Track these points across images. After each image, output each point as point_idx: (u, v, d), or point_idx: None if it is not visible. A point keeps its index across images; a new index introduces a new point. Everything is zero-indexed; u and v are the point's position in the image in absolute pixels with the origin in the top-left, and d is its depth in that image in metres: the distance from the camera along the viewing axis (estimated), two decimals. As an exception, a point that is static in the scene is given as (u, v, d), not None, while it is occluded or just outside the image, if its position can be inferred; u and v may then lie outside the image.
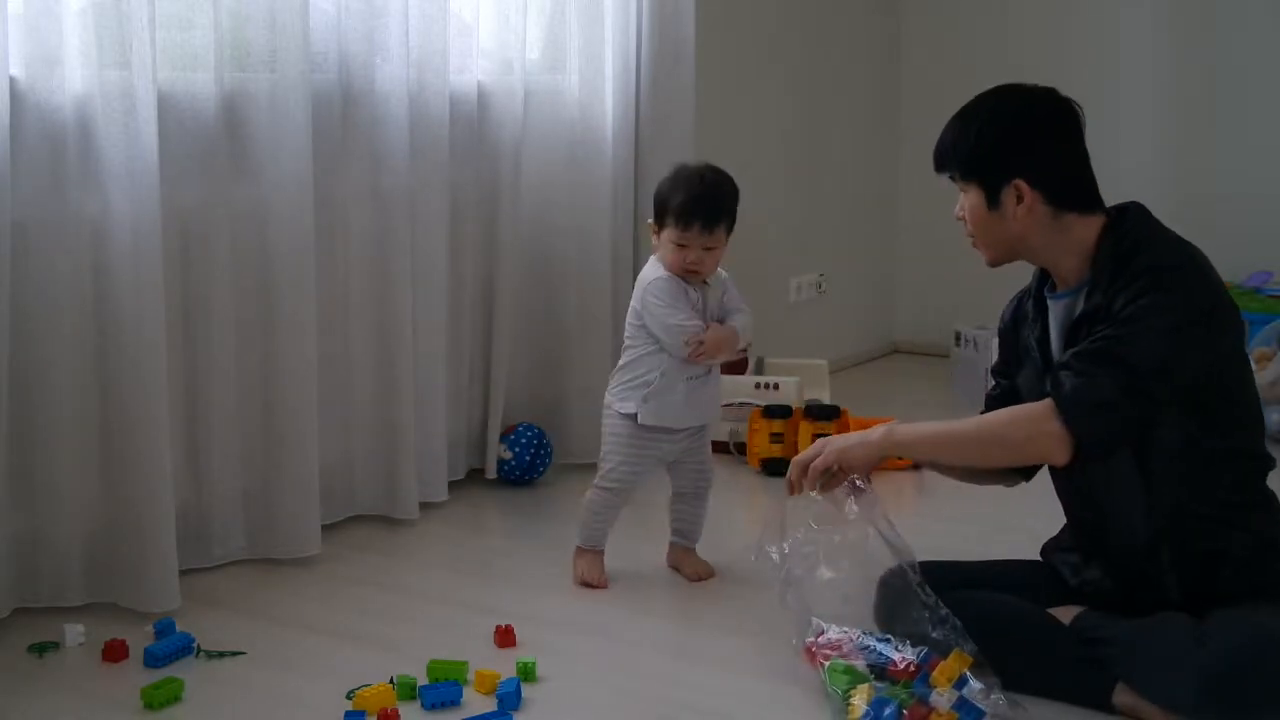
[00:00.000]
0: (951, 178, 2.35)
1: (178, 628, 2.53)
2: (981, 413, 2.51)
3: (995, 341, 2.57)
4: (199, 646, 2.47)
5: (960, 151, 2.31)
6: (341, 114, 3.09)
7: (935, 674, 2.15)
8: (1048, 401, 2.20)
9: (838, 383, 4.34)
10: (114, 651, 2.44)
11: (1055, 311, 2.34)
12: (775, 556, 2.41)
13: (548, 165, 3.63)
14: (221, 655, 2.45)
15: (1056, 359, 2.29)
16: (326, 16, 3.02)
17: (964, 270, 5.21)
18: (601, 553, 2.87)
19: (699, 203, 2.71)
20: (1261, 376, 3.98)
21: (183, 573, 2.73)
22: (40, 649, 2.48)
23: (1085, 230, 2.27)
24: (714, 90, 4.17)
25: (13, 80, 2.49)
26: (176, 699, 2.28)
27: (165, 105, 2.70)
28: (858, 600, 2.39)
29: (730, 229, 2.77)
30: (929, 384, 4.92)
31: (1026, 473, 2.47)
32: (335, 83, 3.07)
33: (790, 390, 3.89)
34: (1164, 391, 2.16)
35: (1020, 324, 2.45)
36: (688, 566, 2.89)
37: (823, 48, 4.95)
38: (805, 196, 4.93)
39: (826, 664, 2.25)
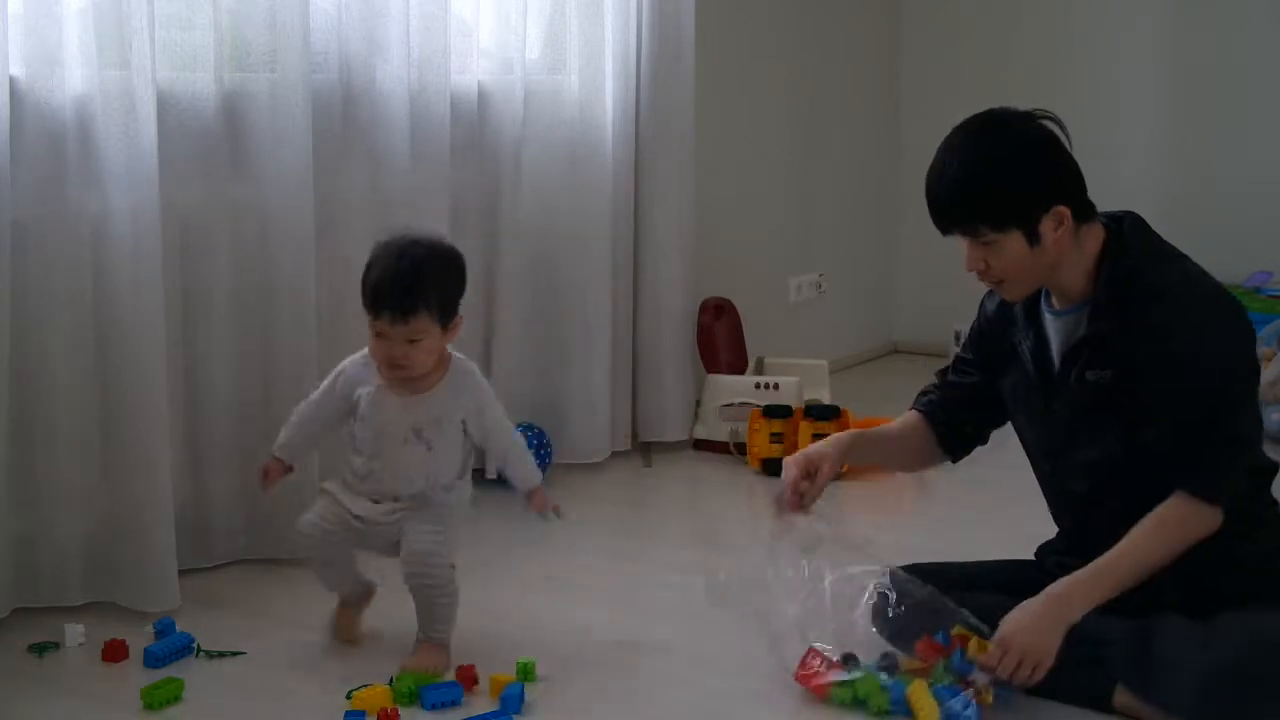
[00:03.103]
0: (972, 235, 2.22)
1: (178, 628, 2.53)
2: (926, 388, 2.54)
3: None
4: (199, 646, 2.47)
5: (993, 205, 2.19)
6: (342, 114, 3.08)
7: (972, 651, 2.17)
8: (1184, 496, 2.14)
9: (838, 383, 4.34)
10: (114, 651, 2.44)
11: (1055, 327, 2.31)
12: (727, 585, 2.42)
13: (548, 165, 3.63)
14: (221, 655, 2.45)
15: (1061, 381, 2.27)
16: (326, 16, 3.02)
17: (963, 270, 5.25)
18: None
19: (391, 286, 2.30)
20: (1262, 376, 3.98)
21: (182, 572, 2.73)
22: (40, 649, 2.48)
23: (1092, 240, 2.24)
24: (714, 90, 4.17)
25: (13, 80, 2.49)
26: (177, 699, 2.28)
27: (165, 105, 2.70)
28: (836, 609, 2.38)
29: (448, 315, 2.35)
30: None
31: (954, 453, 2.52)
32: (335, 83, 3.06)
33: (790, 390, 3.89)
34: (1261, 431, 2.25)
35: (1008, 324, 2.40)
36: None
37: (823, 48, 4.95)
38: (805, 197, 4.93)
39: (830, 690, 2.25)
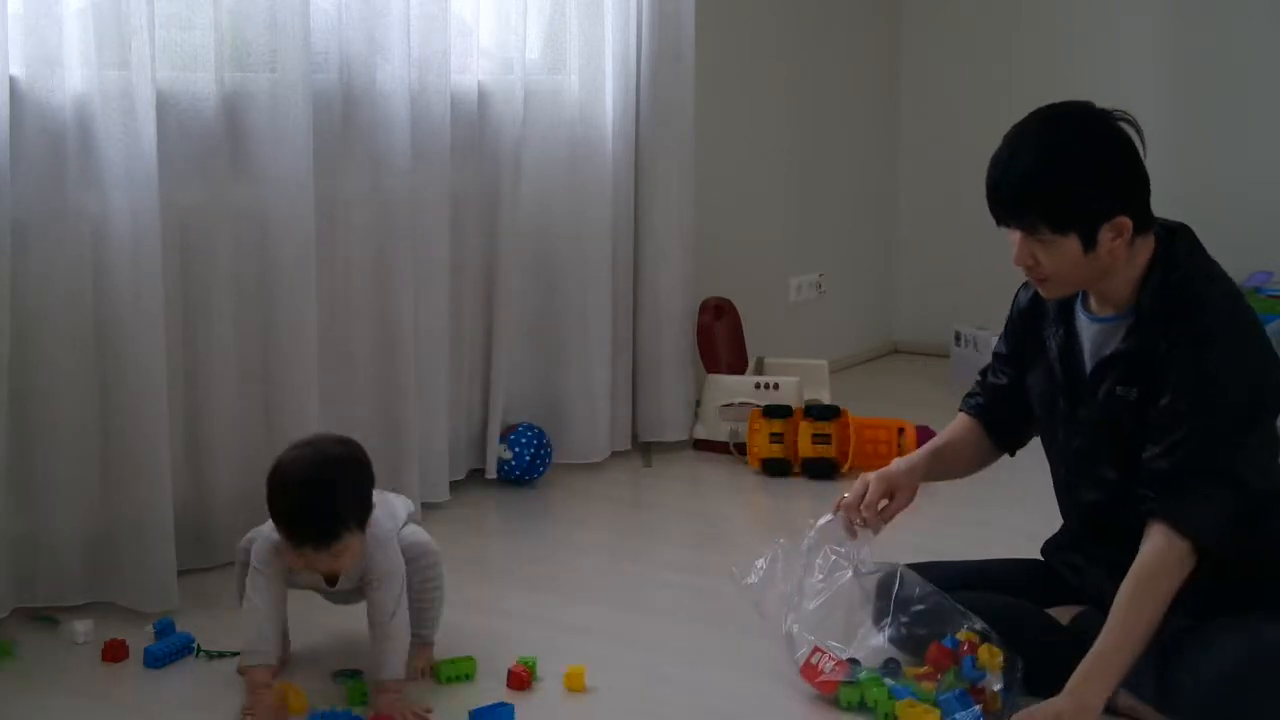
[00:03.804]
0: (1026, 229, 2.14)
1: (177, 628, 2.53)
2: (970, 391, 2.51)
3: (997, 341, 2.52)
4: (199, 646, 2.47)
5: (1058, 205, 2.10)
6: (342, 114, 3.08)
7: (982, 658, 2.16)
8: (1168, 534, 2.08)
9: (838, 383, 4.34)
10: (114, 651, 2.45)
11: (1089, 332, 2.25)
12: (754, 578, 2.40)
13: (548, 165, 3.63)
14: (221, 655, 2.45)
15: (1090, 391, 2.23)
16: (327, 16, 3.02)
17: (964, 270, 5.26)
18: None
19: (306, 522, 2.18)
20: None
21: (183, 573, 2.73)
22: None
23: (1144, 250, 2.17)
24: (714, 90, 4.17)
25: (13, 80, 2.49)
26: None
27: (165, 105, 2.70)
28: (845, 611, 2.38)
29: (364, 518, 2.23)
30: (929, 384, 4.92)
31: (1011, 448, 2.49)
32: (335, 83, 3.06)
33: (790, 390, 3.89)
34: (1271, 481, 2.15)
35: (1039, 319, 2.35)
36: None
37: (823, 48, 4.95)
38: (805, 196, 4.93)
39: (838, 688, 2.25)
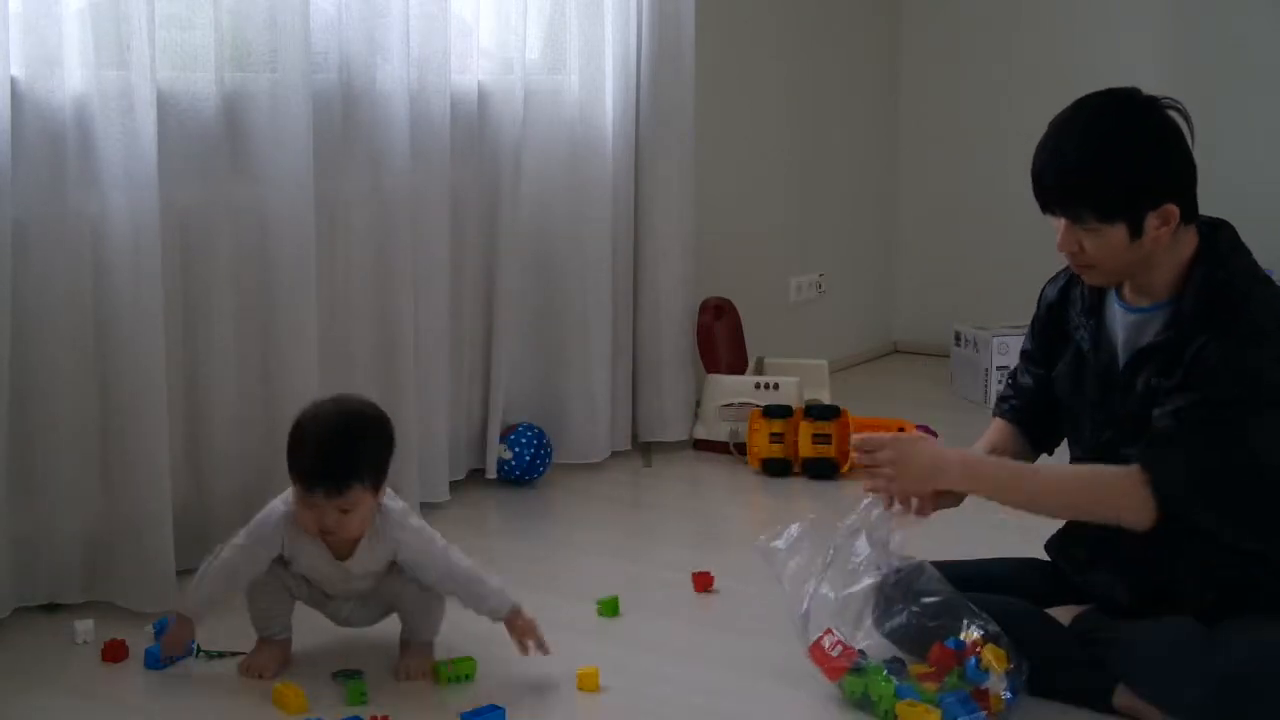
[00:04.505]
0: (1073, 217, 2.13)
1: (177, 628, 2.53)
2: (1002, 394, 2.49)
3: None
4: (199, 646, 2.47)
5: (1105, 193, 2.09)
6: (342, 114, 3.08)
7: (986, 659, 2.15)
8: (1141, 474, 2.09)
9: (838, 383, 4.34)
10: (114, 651, 2.45)
11: (1124, 322, 2.23)
12: (781, 543, 2.38)
13: (548, 165, 3.63)
14: (221, 655, 2.45)
15: (1125, 385, 2.19)
16: (326, 16, 3.02)
17: (964, 270, 5.27)
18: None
19: (323, 462, 2.23)
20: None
21: (183, 573, 2.72)
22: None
23: (1188, 241, 2.15)
24: (714, 90, 4.17)
25: (13, 80, 2.49)
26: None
27: (165, 105, 2.70)
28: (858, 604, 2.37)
29: (380, 481, 2.29)
30: (929, 384, 4.92)
31: (1049, 448, 2.47)
32: (335, 83, 3.06)
33: (790, 390, 3.89)
34: (1265, 482, 2.10)
35: (1066, 312, 2.33)
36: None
37: (823, 48, 4.95)
38: (805, 196, 4.93)
39: (843, 676, 2.25)
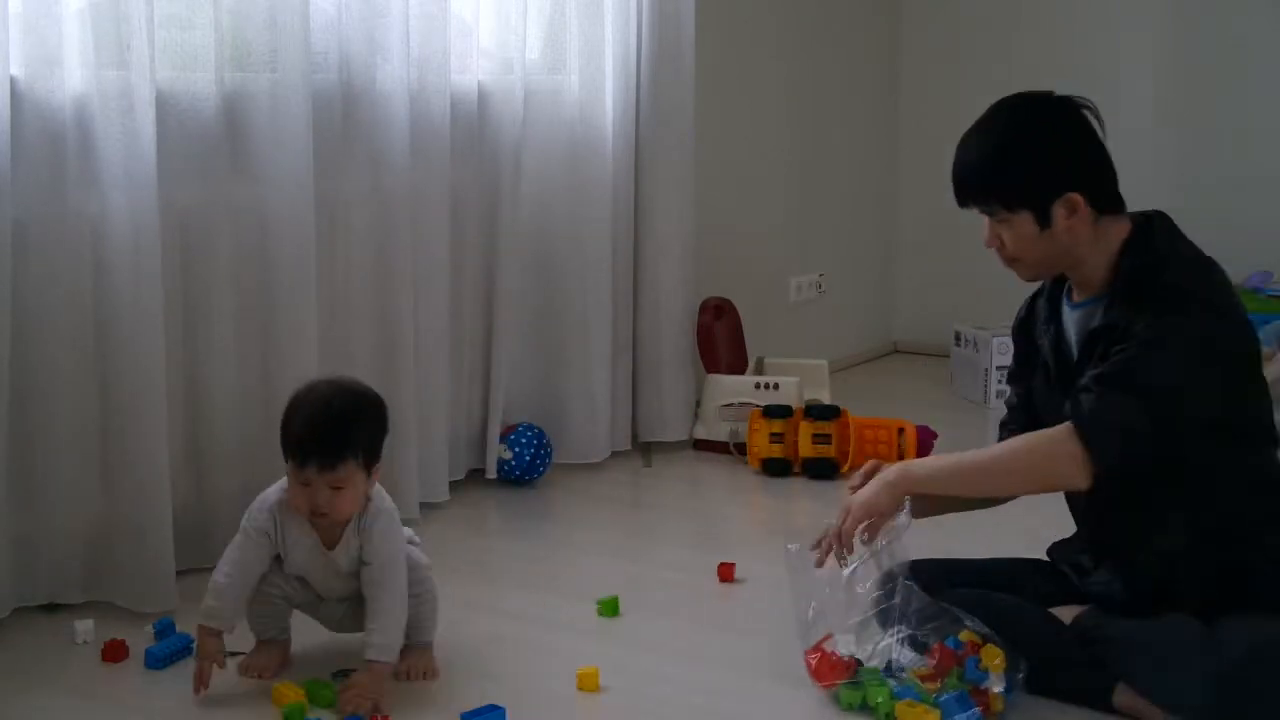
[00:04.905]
0: (986, 211, 2.26)
1: (177, 628, 2.53)
2: (1002, 420, 2.52)
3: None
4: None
5: (1006, 184, 2.22)
6: (342, 114, 3.08)
7: (985, 659, 2.16)
8: (1066, 425, 2.16)
9: (838, 383, 4.34)
10: (114, 651, 2.44)
11: (1072, 319, 2.31)
12: (795, 547, 2.38)
13: (548, 165, 3.63)
14: (221, 655, 2.45)
15: (1078, 375, 2.23)
16: (326, 16, 3.02)
17: (963, 270, 5.26)
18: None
19: (317, 435, 2.22)
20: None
21: (183, 573, 2.73)
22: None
23: (1117, 232, 2.24)
24: (714, 90, 4.17)
25: (13, 80, 2.49)
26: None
27: (165, 105, 2.70)
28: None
29: (371, 462, 2.28)
30: (929, 384, 4.92)
31: None
32: (335, 83, 3.06)
33: (790, 390, 3.89)
34: (1183, 418, 2.12)
35: (1032, 324, 2.42)
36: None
37: (823, 48, 4.95)
38: (805, 196, 4.93)
39: (839, 687, 2.25)
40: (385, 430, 2.34)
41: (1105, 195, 2.24)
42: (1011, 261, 2.29)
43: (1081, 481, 2.16)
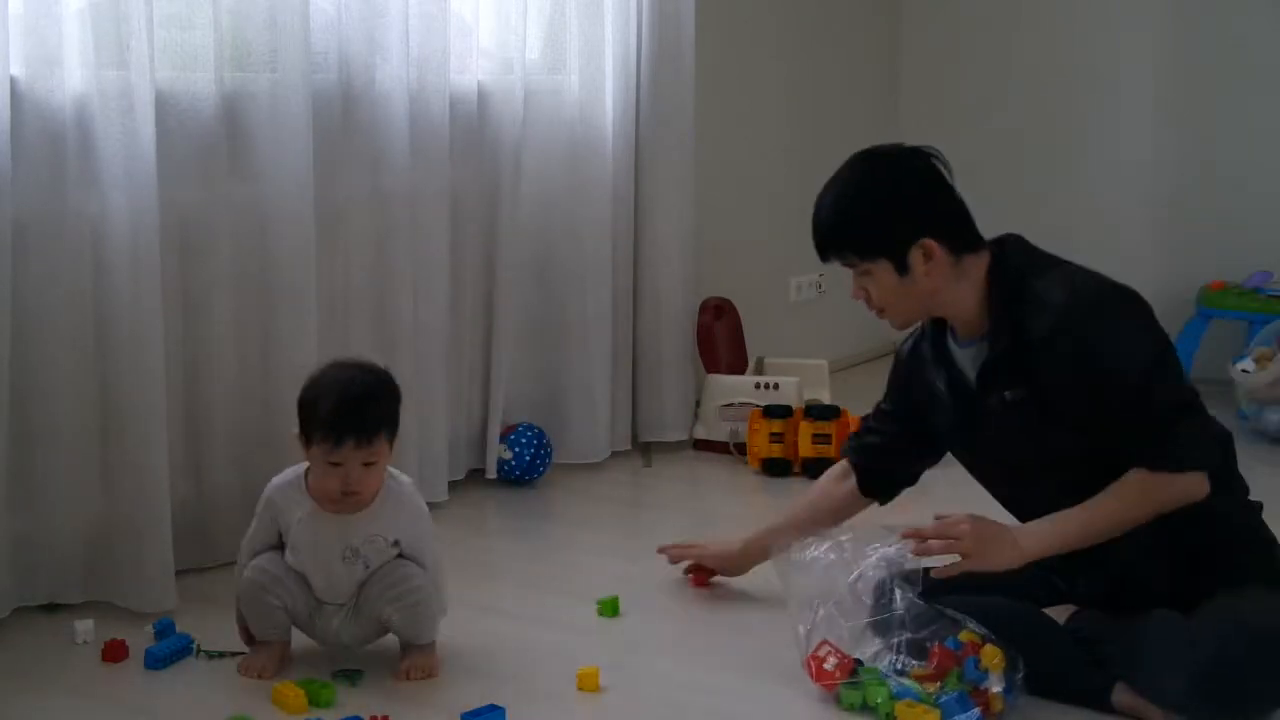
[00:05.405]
0: (847, 264, 2.34)
1: (177, 628, 2.53)
2: (851, 450, 2.64)
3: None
4: (199, 647, 2.47)
5: (859, 235, 2.31)
6: (341, 114, 3.08)
7: (985, 659, 2.17)
8: (1159, 473, 2.19)
9: (838, 383, 4.34)
10: (114, 651, 2.44)
11: (965, 360, 2.36)
12: (794, 554, 2.38)
13: (548, 165, 3.63)
14: (221, 655, 2.45)
15: (982, 401, 2.31)
16: (326, 16, 3.02)
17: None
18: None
19: (351, 412, 2.26)
20: (1261, 377, 3.98)
21: (182, 572, 2.73)
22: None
23: (978, 268, 2.30)
24: (714, 90, 4.16)
25: (13, 80, 2.49)
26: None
27: (165, 105, 2.70)
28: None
29: (393, 438, 2.34)
30: (929, 384, 4.92)
31: (881, 497, 2.68)
32: (335, 83, 3.06)
33: (790, 390, 3.89)
34: (1181, 369, 2.26)
35: (921, 366, 2.46)
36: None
37: (823, 48, 4.95)
38: (805, 197, 4.90)
39: (839, 689, 2.25)
40: (400, 400, 2.38)
41: (961, 238, 2.30)
42: (880, 312, 2.36)
43: (1193, 492, 2.20)
